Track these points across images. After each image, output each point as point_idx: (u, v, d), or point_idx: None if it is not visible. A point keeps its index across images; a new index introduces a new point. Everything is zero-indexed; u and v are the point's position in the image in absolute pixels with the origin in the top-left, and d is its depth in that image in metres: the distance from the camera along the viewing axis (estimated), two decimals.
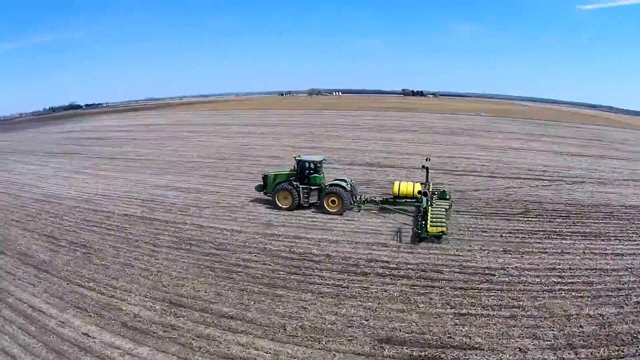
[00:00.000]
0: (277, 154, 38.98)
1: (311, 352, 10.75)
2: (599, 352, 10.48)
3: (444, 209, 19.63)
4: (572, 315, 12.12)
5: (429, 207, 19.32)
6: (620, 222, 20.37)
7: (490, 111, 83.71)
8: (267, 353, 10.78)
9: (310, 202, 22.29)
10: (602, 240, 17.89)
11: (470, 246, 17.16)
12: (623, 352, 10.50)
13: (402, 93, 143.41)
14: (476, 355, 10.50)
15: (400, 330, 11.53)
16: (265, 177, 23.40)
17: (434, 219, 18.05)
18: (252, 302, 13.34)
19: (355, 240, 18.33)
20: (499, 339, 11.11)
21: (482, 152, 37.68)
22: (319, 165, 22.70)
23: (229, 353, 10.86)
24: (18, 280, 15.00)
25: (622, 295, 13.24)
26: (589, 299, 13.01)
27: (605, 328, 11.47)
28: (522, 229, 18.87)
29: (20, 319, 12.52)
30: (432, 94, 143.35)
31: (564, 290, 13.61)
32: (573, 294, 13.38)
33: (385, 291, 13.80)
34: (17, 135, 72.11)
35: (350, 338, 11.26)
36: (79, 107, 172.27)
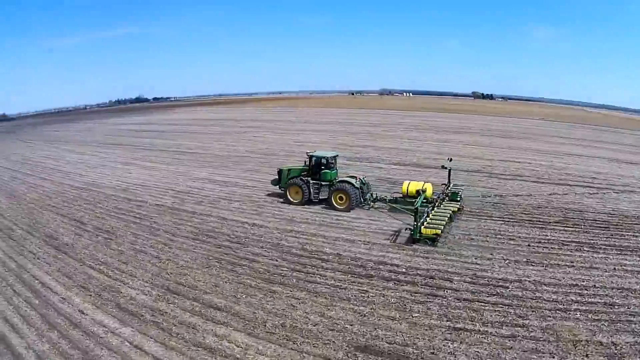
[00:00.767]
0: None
1: (281, 351, 10.70)
2: None
3: (449, 211, 19.62)
4: (581, 341, 10.72)
5: (431, 209, 19.57)
6: None
7: (559, 117, 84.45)
8: (237, 347, 10.97)
9: (320, 197, 23.06)
10: (639, 256, 16.29)
11: (491, 254, 16.45)
12: None
13: (472, 96, 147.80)
14: None
15: (382, 339, 10.99)
16: (280, 172, 24.60)
17: (432, 221, 18.08)
18: (244, 296, 13.70)
19: (373, 241, 18.17)
20: None
21: (535, 156, 37.67)
22: (331, 161, 23.50)
23: (202, 342, 11.25)
24: (37, 259, 17.09)
25: None
26: (606, 324, 11.54)
27: None
28: (553, 239, 17.99)
29: (27, 293, 14.30)
30: (502, 98, 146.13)
31: (579, 311, 12.21)
32: (589, 315, 11.95)
33: (384, 296, 13.31)
34: (77, 126, 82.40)
35: (327, 342, 11.02)
36: (146, 100, 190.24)
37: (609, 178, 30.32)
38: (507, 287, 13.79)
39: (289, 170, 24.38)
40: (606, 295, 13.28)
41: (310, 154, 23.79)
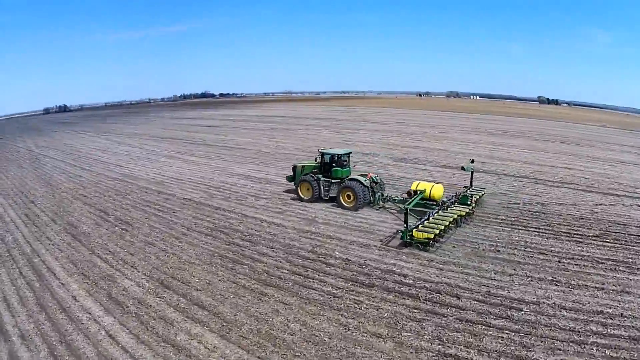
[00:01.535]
0: (371, 151, 41.23)
1: (247, 358, 10.52)
2: None
3: (454, 215, 19.18)
4: None
5: (436, 211, 19.46)
6: None
7: (622, 124, 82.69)
8: (205, 348, 10.96)
9: (330, 195, 23.68)
10: None
11: (514, 270, 15.27)
12: None
13: (537, 100, 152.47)
14: None
15: (358, 358, 10.44)
16: (294, 168, 25.72)
17: (429, 224, 17.84)
18: (232, 296, 13.74)
19: (390, 246, 17.46)
20: None
21: (588, 163, 36.81)
22: (343, 159, 24.12)
23: (173, 339, 11.40)
24: (51, 245, 18.66)
25: None
26: None
27: None
28: (588, 255, 16.67)
29: (32, 276, 15.65)
30: (566, 104, 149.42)
31: (597, 346, 10.51)
32: (607, 352, 10.28)
33: (378, 309, 12.48)
34: (136, 119, 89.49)
35: (297, 354, 10.53)
36: (212, 95, 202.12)
37: None
38: (521, 310, 12.39)
39: (303, 166, 25.28)
40: (633, 327, 11.54)
41: (322, 150, 24.44)
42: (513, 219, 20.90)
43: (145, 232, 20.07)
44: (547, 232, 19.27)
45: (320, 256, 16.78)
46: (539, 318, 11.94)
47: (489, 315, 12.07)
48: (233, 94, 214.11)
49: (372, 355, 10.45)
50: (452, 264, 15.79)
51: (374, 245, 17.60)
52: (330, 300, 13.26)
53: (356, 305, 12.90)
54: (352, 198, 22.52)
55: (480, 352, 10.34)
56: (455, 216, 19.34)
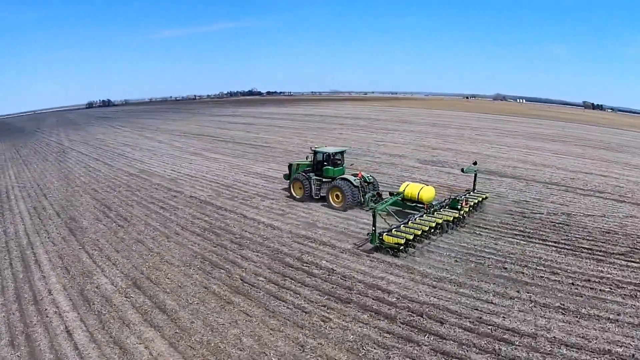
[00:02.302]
0: (400, 152, 40.88)
1: None
2: None
3: (437, 221, 18.59)
4: None
5: (420, 215, 19.01)
6: None
7: None
8: (150, 355, 10.91)
9: (321, 194, 23.73)
10: None
11: (518, 292, 13.88)
12: None
13: (582, 105, 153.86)
14: None
15: None
16: (290, 166, 26.11)
17: (405, 229, 17.38)
18: (196, 302, 13.59)
19: (383, 257, 16.67)
20: None
21: (625, 170, 34.86)
22: (336, 157, 23.99)
23: (123, 342, 11.51)
24: (47, 239, 19.59)
25: None
26: None
27: None
28: (607, 277, 14.99)
29: (19, 267, 16.63)
30: (611, 109, 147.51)
31: None
32: None
33: (345, 330, 11.73)
34: (176, 115, 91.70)
35: None
36: (259, 93, 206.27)
37: None
38: (512, 343, 11.04)
39: (298, 165, 25.56)
40: None
41: (314, 149, 24.45)
42: (531, 231, 19.51)
43: (139, 230, 20.41)
44: (567, 247, 17.75)
45: (305, 264, 16.27)
46: (530, 356, 10.56)
47: (471, 347, 10.90)
48: (280, 92, 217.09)
49: None
50: (448, 282, 14.69)
51: (368, 256, 16.82)
52: (297, 315, 12.70)
53: (322, 324, 12.22)
54: (340, 198, 22.43)
55: None
56: (440, 221, 18.60)
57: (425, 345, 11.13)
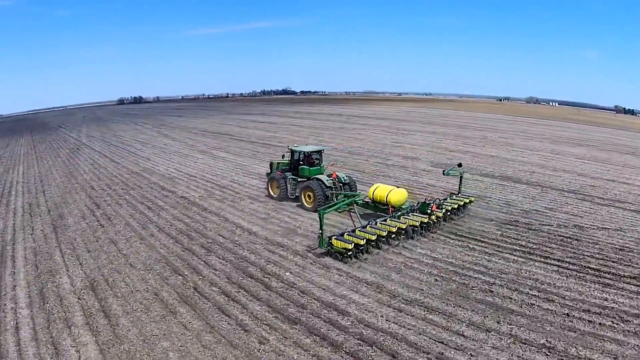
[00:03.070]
0: (415, 155, 40.59)
1: None
2: None
3: (400, 225, 18.05)
4: None
5: (384, 219, 18.58)
6: None
7: None
8: (78, 358, 11.21)
9: (296, 194, 23.90)
10: None
11: (498, 323, 12.47)
12: None
13: (614, 110, 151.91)
14: None
15: None
16: (271, 164, 26.54)
17: (359, 233, 16.87)
18: (141, 309, 13.61)
19: (357, 273, 15.90)
20: None
21: None
22: (314, 156, 24.15)
23: (58, 344, 11.82)
24: (30, 235, 20.50)
25: None
26: None
27: None
28: (611, 307, 13.18)
29: None
30: None
31: None
32: None
33: (279, 356, 11.14)
34: (200, 112, 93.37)
35: None
36: (293, 92, 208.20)
37: None
38: None
39: (278, 163, 25.94)
40: None
41: (292, 147, 24.65)
42: (534, 246, 18.10)
43: (117, 230, 20.87)
44: (571, 266, 16.19)
45: (266, 275, 15.92)
46: None
47: None
48: (314, 92, 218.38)
49: None
50: (418, 305, 13.47)
51: (338, 269, 16.14)
52: (235, 333, 12.36)
53: (258, 345, 11.77)
54: (312, 198, 22.38)
55: None
56: (403, 226, 17.95)
57: None
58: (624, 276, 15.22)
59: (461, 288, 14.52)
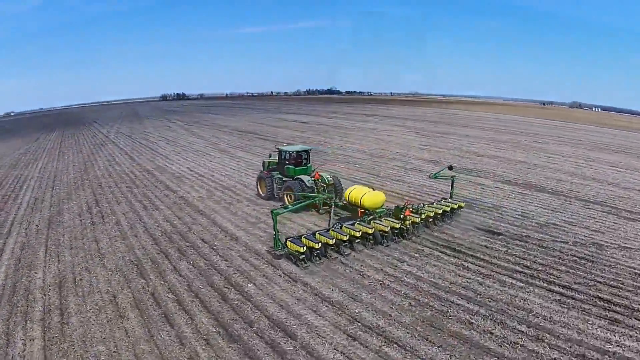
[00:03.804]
0: (438, 158, 39.78)
1: None
2: None
3: (366, 230, 17.89)
4: None
5: (354, 222, 18.43)
6: None
7: None
8: (22, 351, 11.94)
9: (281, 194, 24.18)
10: None
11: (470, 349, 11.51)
12: None
13: None
14: None
15: None
16: (264, 164, 27.27)
17: (318, 236, 16.90)
18: (95, 310, 14.12)
19: (323, 290, 15.26)
20: None
21: None
22: (303, 156, 24.59)
23: (11, 336, 12.69)
24: (24, 229, 21.89)
25: None
26: None
27: None
28: (614, 352, 11.25)
29: None
30: None
31: None
32: None
33: None
34: (237, 111, 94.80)
35: None
36: (338, 92, 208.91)
37: None
38: None
39: (269, 163, 26.52)
40: None
41: (279, 147, 25.34)
42: (540, 267, 16.56)
43: (106, 229, 21.78)
44: (577, 295, 14.39)
45: (227, 286, 15.84)
46: None
47: None
48: (359, 92, 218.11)
49: None
50: (378, 334, 12.29)
51: (305, 284, 15.69)
52: (170, 346, 12.37)
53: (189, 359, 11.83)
54: (293, 198, 22.63)
55: None
56: (370, 231, 17.69)
57: None
58: (638, 310, 13.36)
59: (436, 317, 13.07)
